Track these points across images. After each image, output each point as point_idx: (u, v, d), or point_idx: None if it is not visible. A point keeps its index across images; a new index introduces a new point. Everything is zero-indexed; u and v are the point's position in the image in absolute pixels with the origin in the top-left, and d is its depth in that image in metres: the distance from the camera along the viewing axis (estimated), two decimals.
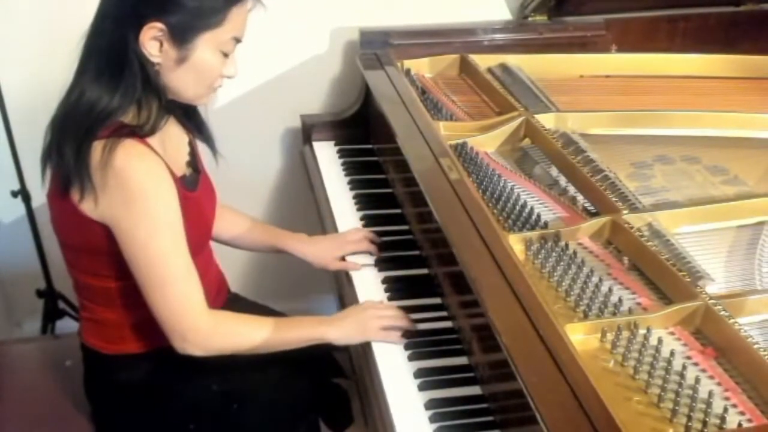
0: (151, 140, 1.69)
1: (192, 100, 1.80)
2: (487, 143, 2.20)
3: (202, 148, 1.99)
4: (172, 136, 1.85)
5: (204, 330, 1.74)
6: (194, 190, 1.85)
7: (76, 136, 1.63)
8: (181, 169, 1.84)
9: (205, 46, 1.67)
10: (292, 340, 1.84)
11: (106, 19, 1.65)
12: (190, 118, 1.92)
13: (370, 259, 2.12)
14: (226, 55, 1.73)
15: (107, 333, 1.88)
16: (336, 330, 1.85)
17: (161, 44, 1.64)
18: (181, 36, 1.64)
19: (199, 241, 1.83)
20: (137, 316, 1.83)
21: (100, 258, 1.75)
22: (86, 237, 1.72)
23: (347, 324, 1.85)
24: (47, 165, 1.74)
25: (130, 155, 1.61)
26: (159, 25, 1.61)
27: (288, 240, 2.21)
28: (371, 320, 1.84)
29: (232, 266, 2.71)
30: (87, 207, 1.66)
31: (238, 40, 1.74)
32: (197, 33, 1.65)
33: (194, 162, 1.92)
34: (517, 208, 1.89)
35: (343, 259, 2.13)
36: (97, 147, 1.61)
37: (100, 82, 1.64)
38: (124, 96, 1.64)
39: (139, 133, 1.66)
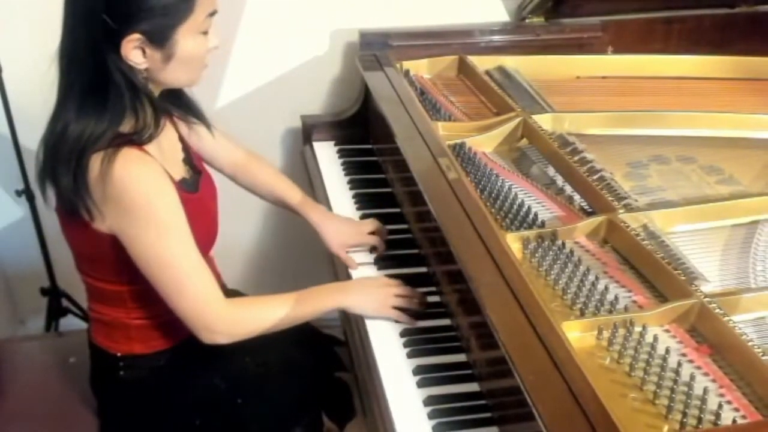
0: (149, 146, 1.69)
1: (188, 85, 1.82)
2: (485, 143, 2.21)
3: None
4: (167, 137, 1.84)
5: (226, 319, 1.76)
6: (195, 191, 1.86)
7: (68, 164, 1.63)
8: (180, 170, 1.85)
9: (186, 36, 1.66)
10: (312, 312, 1.87)
11: (78, 44, 1.63)
12: (177, 101, 1.91)
13: (369, 258, 2.15)
14: (206, 33, 1.72)
15: (115, 334, 1.90)
16: (353, 298, 1.89)
17: (144, 51, 1.63)
18: (160, 37, 1.63)
19: (206, 241, 1.85)
20: (146, 318, 1.86)
21: (114, 265, 1.76)
22: (99, 248, 1.73)
23: (366, 295, 1.89)
24: (45, 184, 1.74)
25: (128, 163, 1.62)
26: (135, 36, 1.60)
27: (310, 208, 2.24)
28: (389, 298, 1.87)
29: (232, 265, 2.73)
30: (97, 223, 1.67)
31: (213, 14, 1.72)
32: (174, 29, 1.64)
33: (190, 160, 1.93)
34: (515, 207, 1.90)
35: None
36: (96, 160, 1.61)
37: (86, 110, 1.63)
38: (113, 115, 1.63)
39: (137, 141, 1.66)
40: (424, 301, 1.92)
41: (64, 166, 1.64)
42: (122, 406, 1.97)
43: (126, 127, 1.67)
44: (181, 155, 1.91)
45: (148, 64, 1.66)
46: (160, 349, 1.92)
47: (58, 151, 1.66)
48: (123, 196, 1.62)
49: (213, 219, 1.95)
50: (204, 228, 1.82)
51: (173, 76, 1.72)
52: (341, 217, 2.26)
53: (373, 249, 2.16)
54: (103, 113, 1.63)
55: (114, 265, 1.76)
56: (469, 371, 1.74)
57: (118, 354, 1.91)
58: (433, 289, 1.99)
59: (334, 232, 2.18)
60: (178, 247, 1.69)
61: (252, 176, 2.25)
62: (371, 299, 1.88)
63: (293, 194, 2.26)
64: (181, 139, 1.94)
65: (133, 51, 1.62)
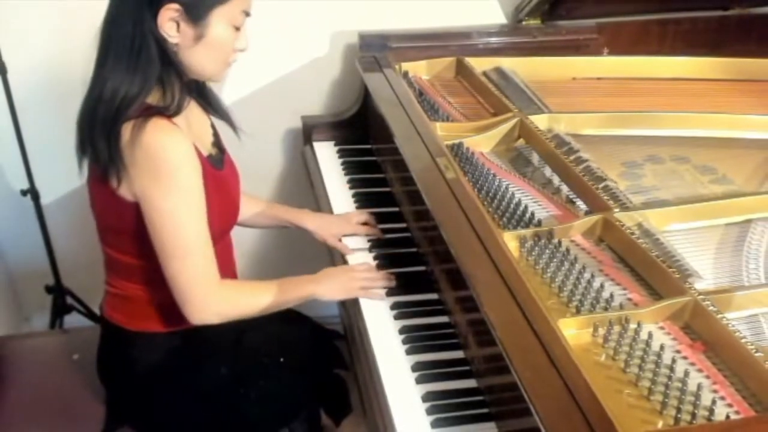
0: (177, 120, 1.74)
1: (210, 77, 1.86)
2: (483, 143, 2.22)
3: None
4: (196, 117, 1.92)
5: (217, 299, 1.83)
6: (221, 168, 1.92)
7: (104, 126, 1.69)
8: (207, 148, 1.91)
9: (218, 22, 1.73)
10: (290, 300, 1.95)
11: (122, 7, 1.69)
12: (205, 98, 1.98)
13: (364, 244, 2.20)
14: (237, 29, 1.79)
15: (133, 309, 1.94)
16: (322, 288, 1.97)
17: (178, 25, 1.70)
18: (196, 14, 1.70)
19: (227, 219, 1.90)
20: (168, 295, 1.88)
21: (140, 238, 1.80)
22: (127, 220, 1.78)
23: (333, 283, 1.97)
24: (83, 158, 1.81)
25: (157, 132, 1.67)
26: (175, 5, 1.67)
27: (293, 213, 2.31)
28: (353, 281, 1.96)
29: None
30: (124, 190, 1.72)
31: (247, 14, 1.80)
32: (210, 9, 1.71)
33: (218, 142, 1.99)
34: (512, 206, 1.90)
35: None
36: (127, 127, 1.67)
37: (120, 69, 1.69)
38: (143, 79, 1.70)
39: (166, 113, 1.71)
40: (390, 280, 2.00)
41: (100, 128, 1.70)
42: (128, 387, 2.00)
43: (154, 99, 1.74)
44: (210, 139, 1.97)
45: (179, 39, 1.72)
46: (175, 330, 1.96)
47: (95, 113, 1.71)
48: (150, 160, 1.68)
49: (235, 198, 2.00)
50: (226, 206, 1.87)
51: (198, 60, 1.77)
52: (328, 214, 2.33)
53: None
54: (135, 74, 1.69)
55: (139, 237, 1.80)
56: (466, 368, 1.75)
57: (131, 330, 1.95)
58: (431, 287, 2.01)
59: (324, 225, 2.25)
60: (192, 219, 1.75)
61: (245, 209, 2.27)
62: (338, 285, 1.97)
63: (280, 210, 2.34)
64: (213, 125, 2.01)
65: (169, 22, 1.69)
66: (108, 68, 1.70)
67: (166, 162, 1.69)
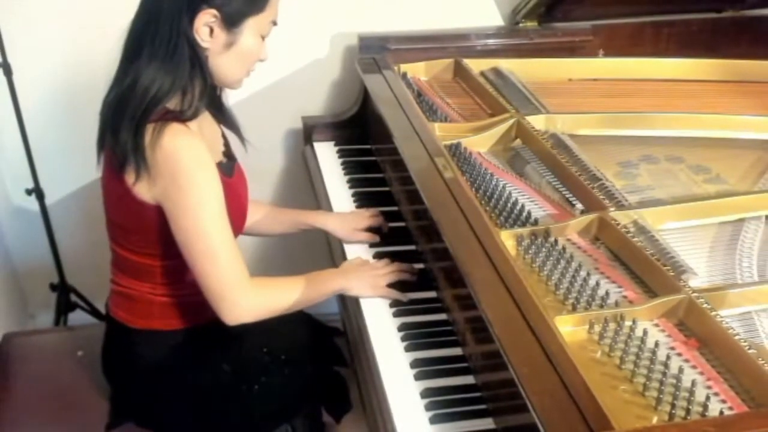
0: (191, 125, 1.76)
1: (231, 84, 1.89)
2: (480, 143, 2.23)
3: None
4: (208, 124, 1.94)
5: (251, 297, 1.83)
6: (231, 176, 1.93)
7: (134, 118, 1.71)
8: (218, 156, 1.93)
9: (250, 31, 1.77)
10: (321, 295, 1.96)
11: (159, 7, 1.71)
12: (218, 107, 2.00)
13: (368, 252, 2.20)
14: (263, 39, 1.82)
15: (137, 308, 1.96)
16: (350, 282, 1.97)
17: (212, 30, 1.73)
18: (232, 21, 1.73)
19: (236, 227, 1.90)
20: (171, 295, 1.92)
21: (149, 237, 1.82)
22: (138, 218, 1.80)
23: (362, 279, 1.98)
24: (101, 152, 1.83)
25: (176, 136, 1.70)
26: (213, 11, 1.70)
27: (311, 215, 2.31)
28: (379, 278, 1.96)
29: None
30: (140, 189, 1.74)
31: (274, 24, 1.84)
32: (245, 18, 1.75)
33: (229, 151, 2.01)
34: (509, 205, 1.91)
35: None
36: (148, 130, 1.69)
37: (153, 67, 1.71)
38: (174, 79, 1.72)
39: (182, 118, 1.74)
40: (413, 271, 2.02)
41: (129, 117, 1.72)
42: (132, 383, 2.02)
43: (172, 103, 1.75)
44: (221, 148, 1.99)
45: (211, 45, 1.75)
46: (177, 328, 1.98)
47: (125, 104, 1.73)
48: (169, 163, 1.70)
49: (243, 206, 2.01)
50: (234, 212, 1.88)
51: (225, 66, 1.81)
52: (340, 212, 2.33)
53: (375, 230, 2.25)
54: (167, 74, 1.72)
55: (149, 237, 1.83)
56: (464, 364, 1.76)
57: (136, 328, 1.97)
58: (430, 285, 2.02)
59: (343, 224, 2.25)
60: (215, 220, 1.76)
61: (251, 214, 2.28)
62: (366, 283, 1.97)
63: (291, 213, 2.34)
64: (223, 135, 2.03)
65: (204, 27, 1.72)
66: (141, 64, 1.72)
67: (184, 164, 1.71)
